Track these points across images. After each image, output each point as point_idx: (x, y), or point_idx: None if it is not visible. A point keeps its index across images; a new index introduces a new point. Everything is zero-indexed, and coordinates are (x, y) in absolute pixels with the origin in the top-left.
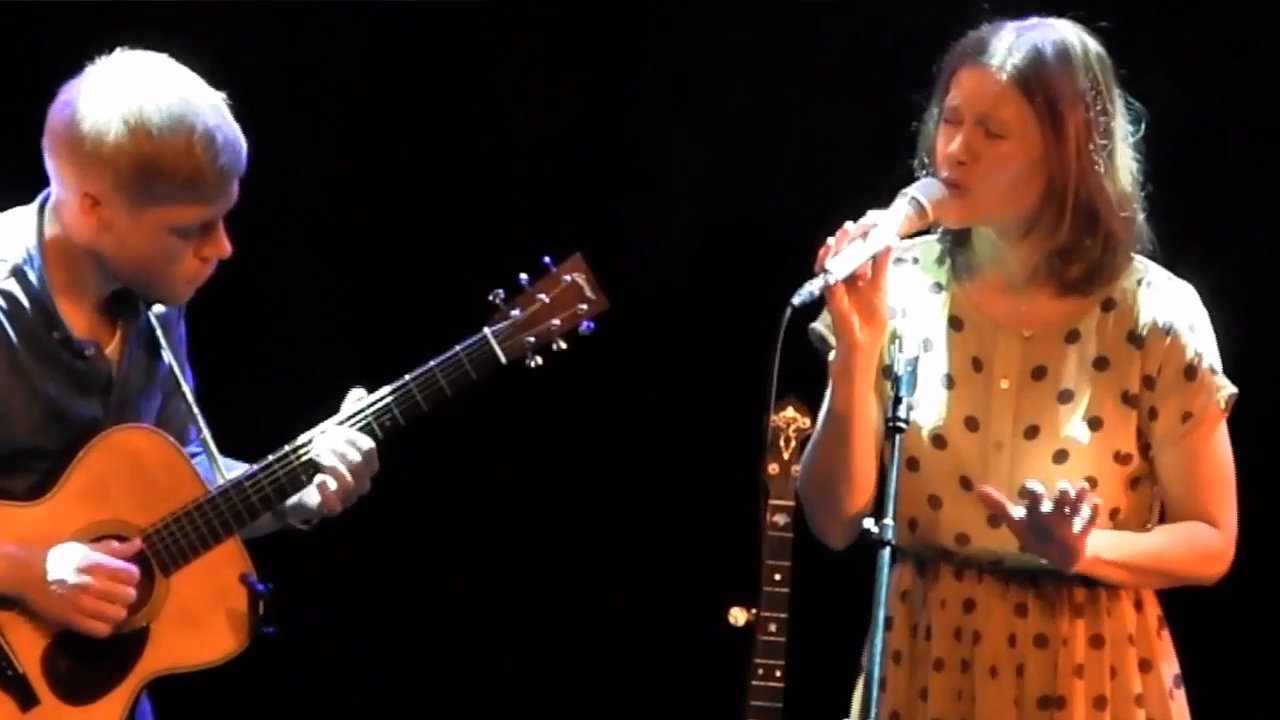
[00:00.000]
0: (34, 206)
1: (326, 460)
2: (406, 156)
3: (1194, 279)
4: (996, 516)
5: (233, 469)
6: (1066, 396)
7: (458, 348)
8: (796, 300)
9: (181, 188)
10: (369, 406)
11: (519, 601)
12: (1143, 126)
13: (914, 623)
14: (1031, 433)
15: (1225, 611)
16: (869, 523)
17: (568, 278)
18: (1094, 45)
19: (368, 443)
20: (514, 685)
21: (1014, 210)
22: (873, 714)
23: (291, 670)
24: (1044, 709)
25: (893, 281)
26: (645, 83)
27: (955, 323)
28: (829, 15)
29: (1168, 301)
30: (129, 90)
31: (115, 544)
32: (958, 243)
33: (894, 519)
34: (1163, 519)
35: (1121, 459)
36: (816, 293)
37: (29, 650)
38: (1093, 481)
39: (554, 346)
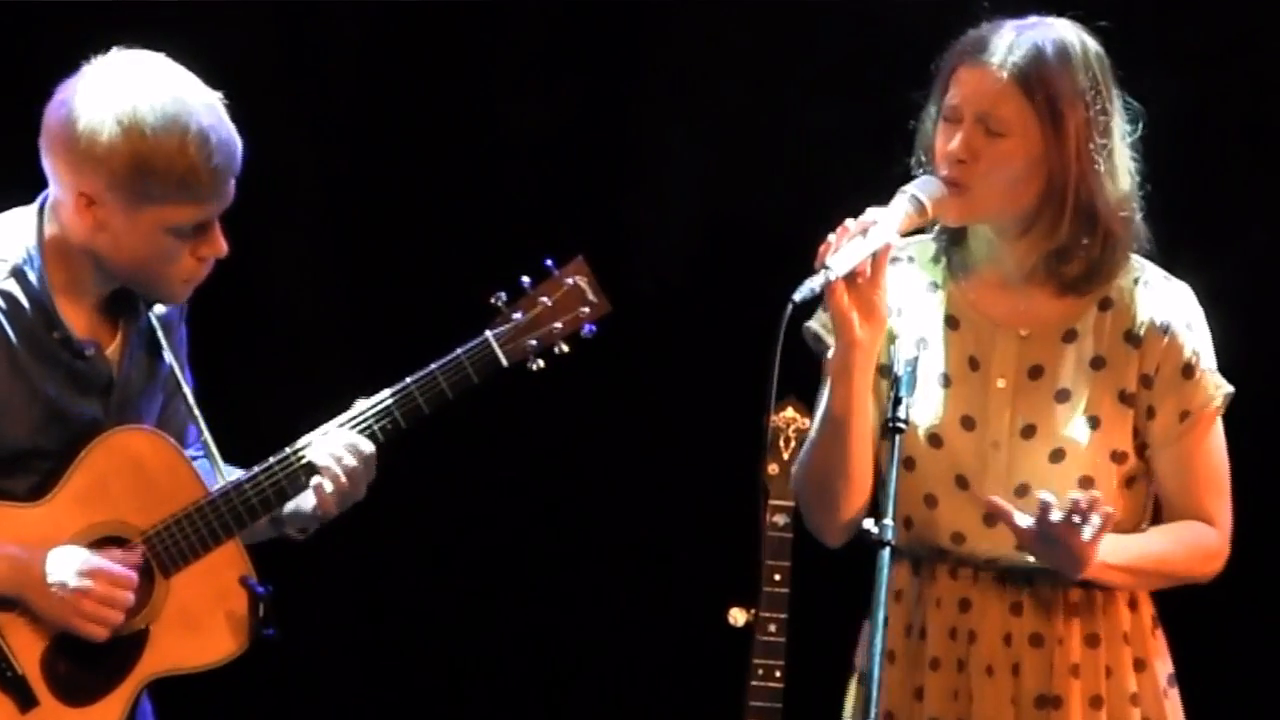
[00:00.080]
0: (34, 206)
1: (322, 462)
2: (407, 157)
3: (1193, 278)
4: (991, 515)
5: (232, 474)
6: (1064, 396)
7: (459, 350)
8: (797, 296)
9: (175, 188)
10: (369, 409)
11: (519, 602)
12: (1140, 126)
13: (908, 622)
14: (1029, 432)
15: (1216, 610)
16: (869, 523)
17: (570, 280)
18: (1093, 44)
19: (367, 446)
20: (514, 685)
21: (1013, 209)
22: (872, 714)
23: (292, 672)
24: (1040, 708)
25: (890, 280)
26: (644, 83)
27: (951, 321)
28: (827, 15)
29: (1165, 301)
30: (123, 90)
31: (118, 551)
32: (953, 241)
33: (894, 519)
34: (1156, 518)
35: (1118, 458)
36: (817, 289)
37: (28, 652)
38: (1089, 481)
39: (556, 349)
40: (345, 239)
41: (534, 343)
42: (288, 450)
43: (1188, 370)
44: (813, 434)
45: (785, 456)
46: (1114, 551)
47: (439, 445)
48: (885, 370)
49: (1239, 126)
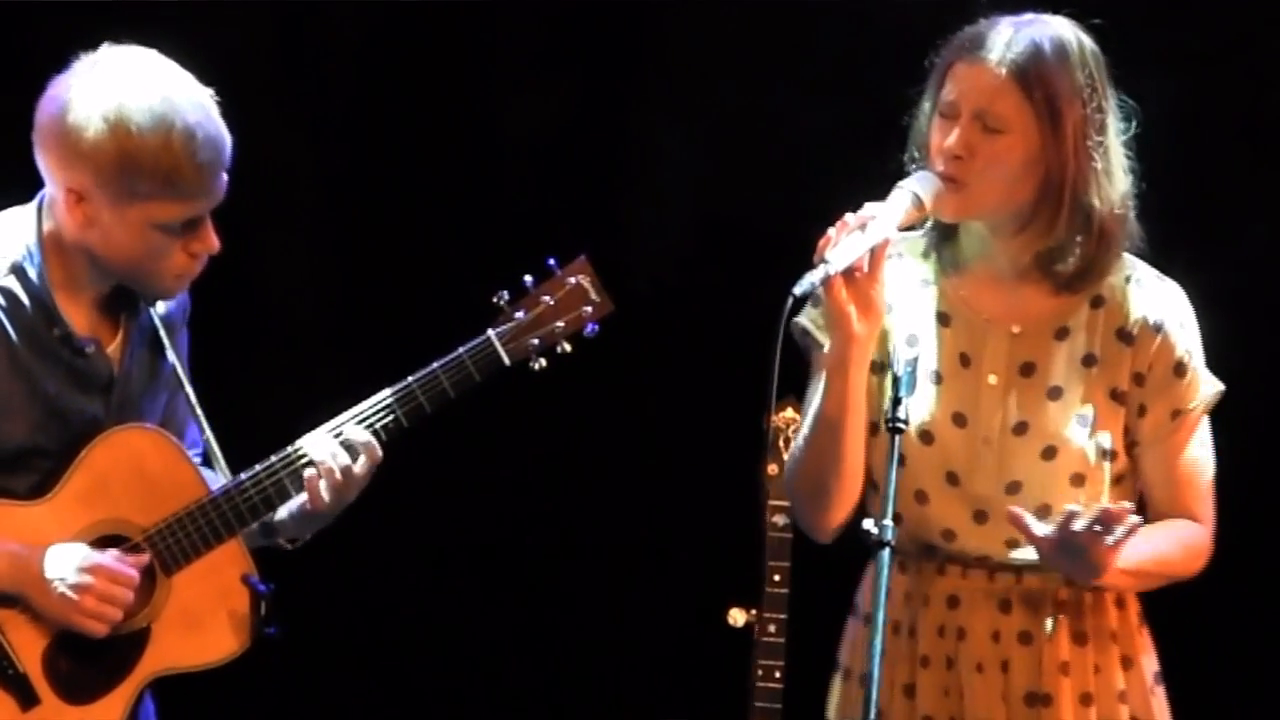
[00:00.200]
0: (33, 203)
1: (319, 456)
2: (406, 156)
3: (1191, 278)
4: (982, 513)
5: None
6: (1056, 393)
7: (461, 349)
8: (798, 290)
9: (162, 185)
10: (372, 408)
11: (519, 601)
12: (1134, 124)
13: (895, 619)
14: (1020, 429)
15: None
16: (868, 523)
17: (573, 280)
18: (1089, 42)
19: (368, 444)
20: (514, 685)
21: (1010, 206)
22: (872, 714)
23: (294, 671)
24: (1030, 706)
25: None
26: (641, 83)
27: (943, 318)
28: (824, 15)
29: (1157, 299)
30: (111, 87)
31: (124, 553)
32: (944, 237)
33: (893, 519)
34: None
35: (1108, 456)
36: (817, 283)
37: (30, 650)
38: (1080, 479)
39: (558, 349)
40: (346, 238)
41: (536, 342)
42: (289, 448)
43: (1179, 369)
44: (805, 430)
45: (785, 457)
46: (1122, 556)
47: (440, 445)
48: (877, 367)
49: (1237, 126)
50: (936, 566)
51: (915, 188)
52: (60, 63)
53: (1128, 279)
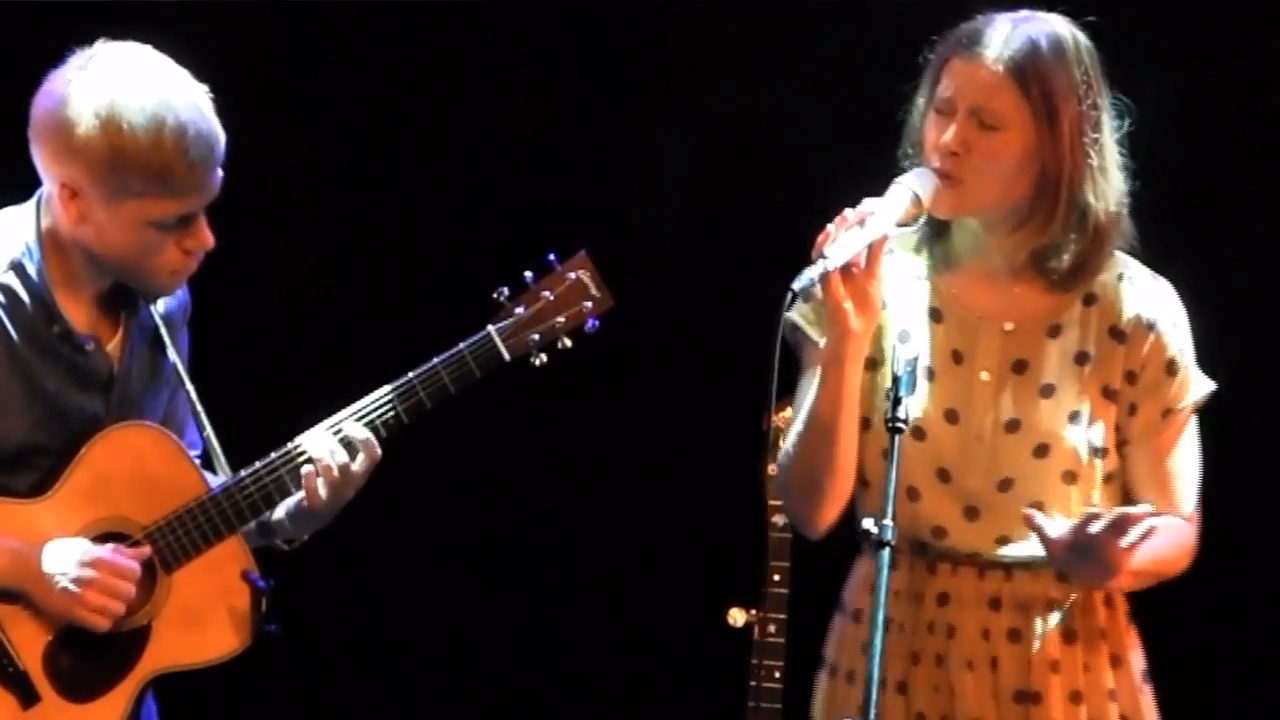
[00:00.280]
0: (32, 201)
1: (317, 453)
2: (406, 155)
3: (1189, 276)
4: (973, 509)
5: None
6: (1048, 391)
7: (461, 345)
8: (797, 286)
9: (153, 182)
10: (371, 404)
11: (519, 601)
12: (1127, 121)
13: (885, 615)
14: (1012, 426)
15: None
16: (868, 523)
17: (573, 275)
18: (1084, 39)
19: (367, 443)
20: (514, 685)
21: (1006, 203)
22: (871, 715)
23: (295, 671)
24: (1020, 703)
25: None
26: (639, 82)
27: (935, 314)
28: (822, 15)
29: (1151, 298)
30: (104, 82)
31: (124, 546)
32: (936, 233)
33: (893, 519)
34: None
35: (1099, 453)
36: (817, 278)
37: (30, 647)
38: (1071, 476)
39: (559, 344)
40: (346, 236)
41: (536, 337)
42: (289, 445)
43: (1171, 367)
44: (798, 426)
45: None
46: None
47: (439, 443)
48: (870, 363)
49: (1235, 125)
50: (927, 564)
51: (913, 184)
52: (60, 61)
53: (1120, 277)
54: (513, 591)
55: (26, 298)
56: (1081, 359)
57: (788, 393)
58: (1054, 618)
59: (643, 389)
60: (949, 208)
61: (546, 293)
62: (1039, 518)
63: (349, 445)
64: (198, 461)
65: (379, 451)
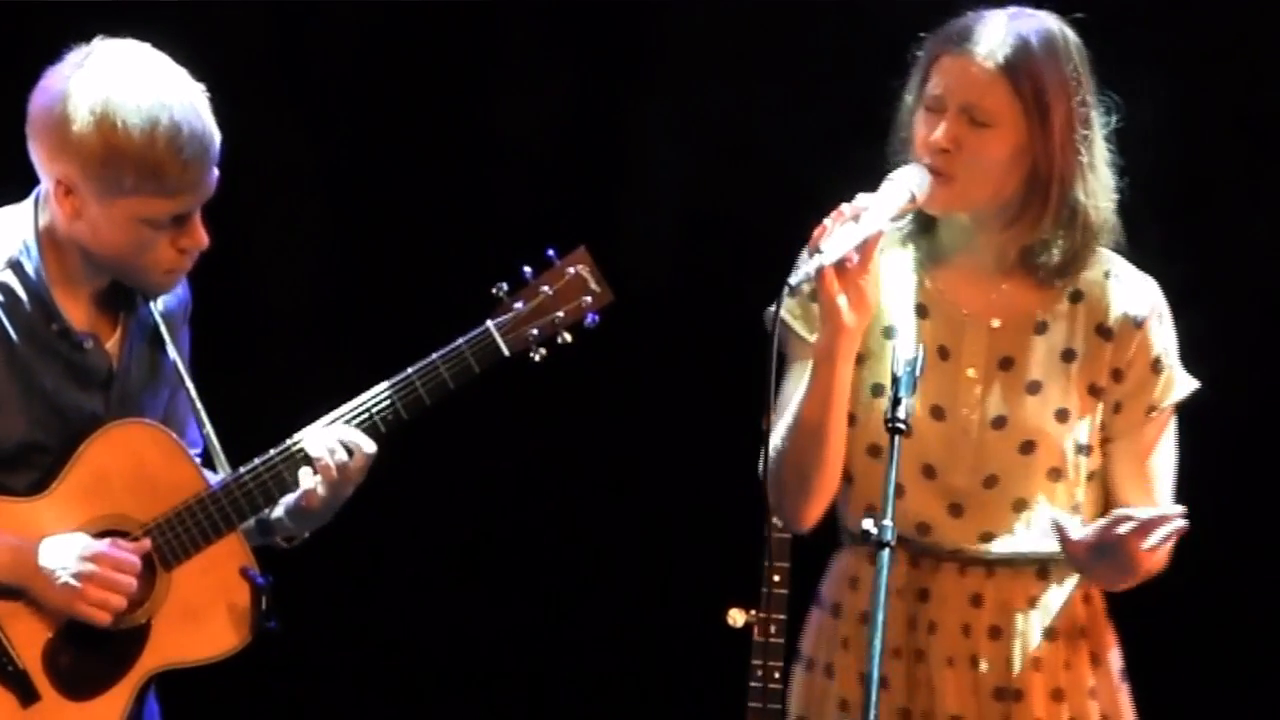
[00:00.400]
0: (30, 199)
1: (316, 452)
2: (405, 153)
3: (1187, 275)
4: (958, 506)
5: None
6: (1035, 388)
7: (460, 340)
8: (793, 281)
9: (147, 180)
10: (371, 399)
11: (518, 600)
12: (1114, 118)
13: (862, 609)
14: (999, 423)
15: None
16: (868, 523)
17: (572, 270)
18: (1073, 35)
19: (366, 444)
20: (514, 684)
21: (997, 200)
22: (871, 715)
23: (297, 667)
24: (1000, 700)
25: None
26: (636, 82)
27: (921, 310)
28: (819, 15)
29: (1137, 295)
30: (100, 80)
31: (124, 541)
32: (922, 230)
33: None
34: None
35: (1084, 451)
36: (813, 273)
37: (30, 646)
38: (1058, 473)
39: (559, 339)
40: (344, 233)
41: (536, 332)
42: (287, 442)
43: (1157, 365)
44: (788, 421)
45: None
46: None
47: (438, 440)
48: (858, 358)
49: (1234, 124)
50: (909, 560)
51: (907, 180)
52: (58, 58)
53: (1107, 274)
54: (512, 590)
55: (24, 296)
56: (1068, 356)
57: None
58: (1035, 615)
59: (643, 389)
60: (941, 204)
61: (545, 288)
62: (1062, 517)
63: (346, 442)
64: (198, 459)
65: (375, 448)
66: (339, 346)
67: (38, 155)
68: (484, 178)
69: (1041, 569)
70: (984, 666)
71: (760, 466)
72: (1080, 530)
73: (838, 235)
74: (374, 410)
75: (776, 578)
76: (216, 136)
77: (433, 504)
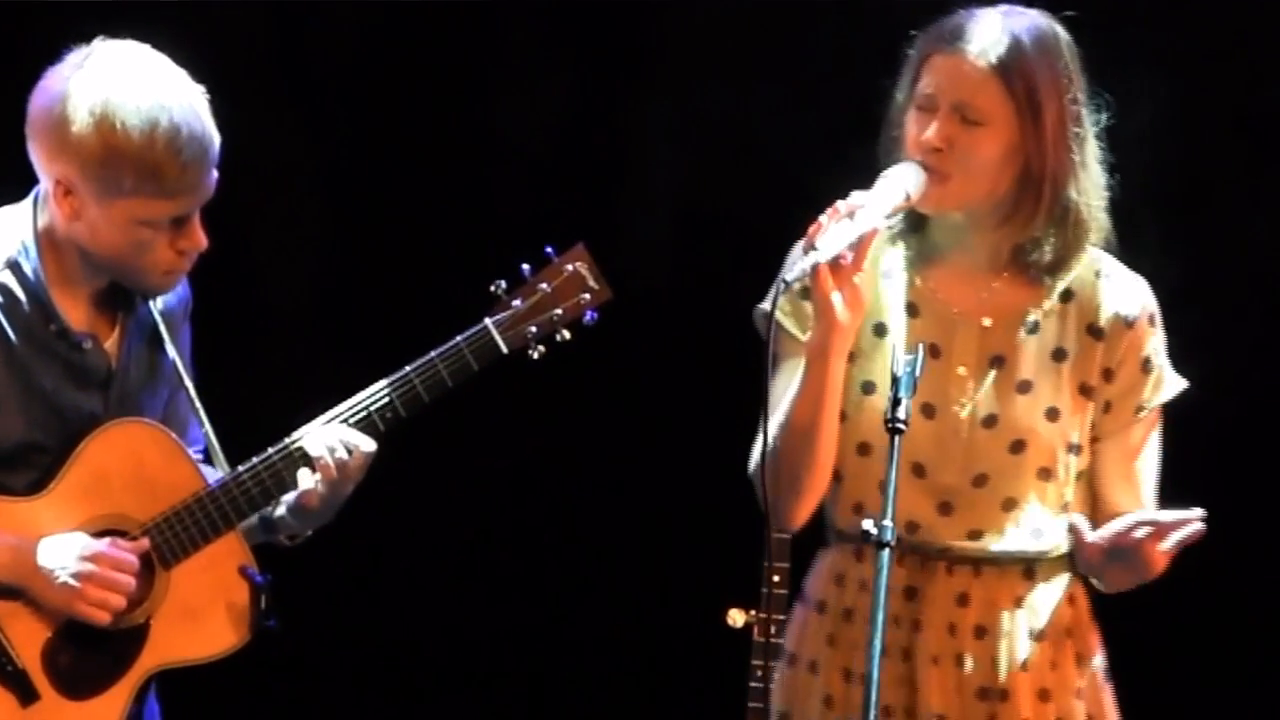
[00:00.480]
0: (29, 199)
1: (315, 452)
2: (404, 152)
3: (1186, 273)
4: (947, 505)
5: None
6: (1025, 387)
7: (459, 338)
8: (789, 277)
9: (145, 181)
10: (369, 397)
11: (518, 600)
12: (1104, 116)
13: (846, 606)
14: (989, 422)
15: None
16: (868, 523)
17: (570, 267)
18: (1064, 33)
19: (365, 443)
20: (513, 684)
21: (990, 198)
22: (871, 715)
23: (296, 665)
24: (984, 700)
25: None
26: (635, 82)
27: (911, 309)
28: (817, 16)
29: (1128, 295)
30: (100, 81)
31: (122, 540)
32: (912, 228)
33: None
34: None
35: (1074, 450)
36: (809, 269)
37: (29, 645)
38: (1047, 473)
39: (557, 337)
40: (343, 232)
41: (534, 330)
42: (286, 440)
43: (1147, 365)
44: (778, 419)
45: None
46: None
47: (436, 439)
48: (850, 357)
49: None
50: (896, 557)
51: (902, 178)
52: (58, 59)
53: (1098, 274)
54: (511, 590)
55: (23, 296)
56: (1059, 355)
57: None
58: (1021, 615)
59: (642, 388)
60: (935, 203)
61: (544, 285)
62: (1076, 518)
63: (345, 441)
64: (199, 459)
65: (374, 446)
66: (338, 344)
67: (37, 156)
68: (483, 176)
69: (1028, 569)
70: (969, 666)
71: (750, 465)
72: (1096, 533)
73: (833, 232)
74: (373, 408)
75: (776, 578)
76: (216, 138)
77: (431, 502)
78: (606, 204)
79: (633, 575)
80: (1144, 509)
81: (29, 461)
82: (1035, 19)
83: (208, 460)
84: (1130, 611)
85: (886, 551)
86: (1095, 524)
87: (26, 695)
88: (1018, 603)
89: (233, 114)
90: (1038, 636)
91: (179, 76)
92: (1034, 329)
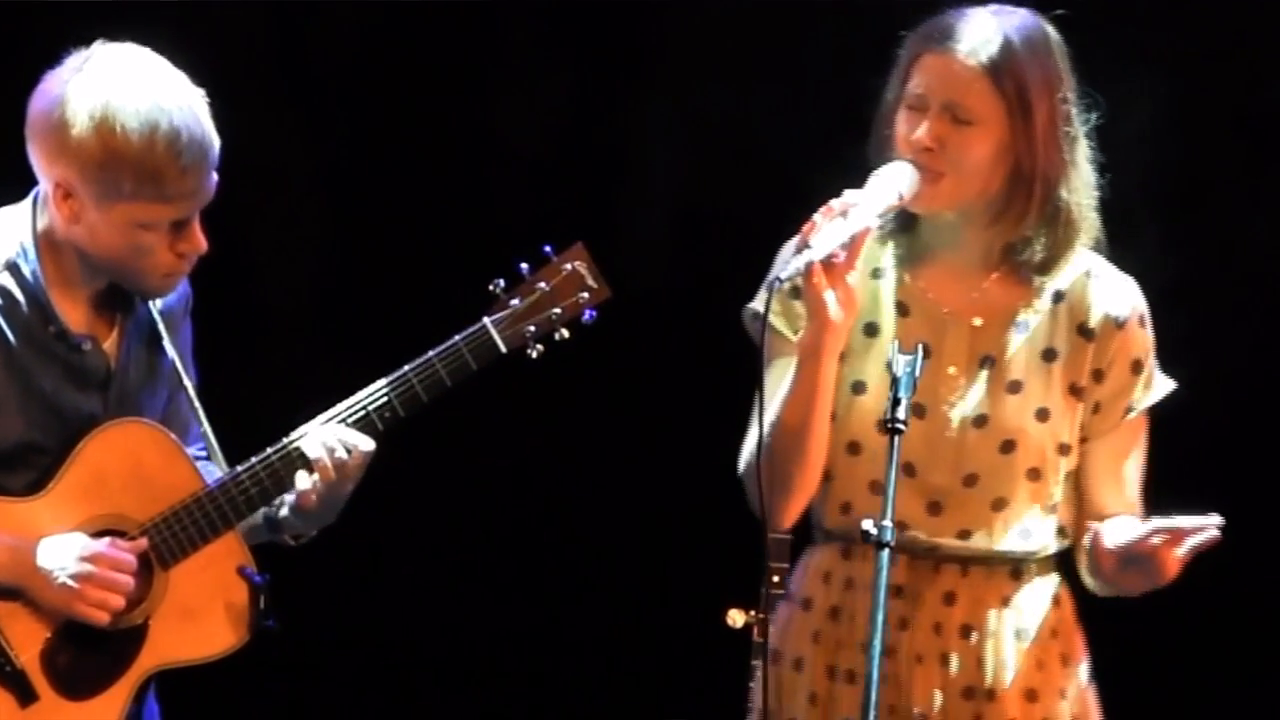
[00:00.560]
0: (28, 200)
1: (313, 453)
2: (402, 151)
3: (1182, 274)
4: (936, 504)
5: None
6: (1015, 387)
7: (457, 337)
8: (784, 275)
9: (145, 185)
10: (368, 397)
11: (518, 600)
12: (1094, 115)
13: (833, 604)
14: (980, 422)
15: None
16: (867, 524)
17: (568, 266)
18: (1054, 32)
19: (364, 443)
20: (513, 684)
21: (980, 196)
22: (871, 715)
23: (295, 665)
24: (969, 699)
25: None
26: (635, 82)
27: (902, 308)
28: (815, 16)
29: (1119, 296)
30: (100, 84)
31: (120, 540)
32: (902, 228)
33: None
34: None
35: (1063, 451)
36: (803, 268)
37: (28, 645)
38: (1037, 473)
39: (556, 336)
40: (342, 232)
41: (533, 329)
42: (285, 440)
43: (1137, 366)
44: (772, 417)
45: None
46: None
47: (435, 438)
48: (840, 357)
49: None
50: None
51: (895, 178)
52: (57, 61)
53: (1088, 274)
54: (511, 590)
55: (22, 298)
56: (1049, 356)
57: None
58: (1008, 615)
59: (642, 388)
60: (928, 202)
61: (542, 284)
62: (1096, 526)
63: (343, 441)
64: (198, 461)
65: (373, 446)
66: (337, 344)
67: (37, 158)
68: (482, 176)
69: (1015, 569)
70: (954, 665)
71: (740, 465)
72: (1113, 540)
73: (826, 231)
74: (371, 408)
75: (776, 579)
76: (216, 142)
77: (430, 502)
78: (605, 203)
79: (633, 575)
80: (1146, 515)
81: (28, 462)
82: (1025, 19)
83: (208, 462)
84: (1115, 613)
85: (886, 552)
86: (1081, 525)
87: (25, 695)
88: (1004, 603)
89: (232, 114)
90: (1024, 637)
91: (179, 79)
92: (1024, 329)
